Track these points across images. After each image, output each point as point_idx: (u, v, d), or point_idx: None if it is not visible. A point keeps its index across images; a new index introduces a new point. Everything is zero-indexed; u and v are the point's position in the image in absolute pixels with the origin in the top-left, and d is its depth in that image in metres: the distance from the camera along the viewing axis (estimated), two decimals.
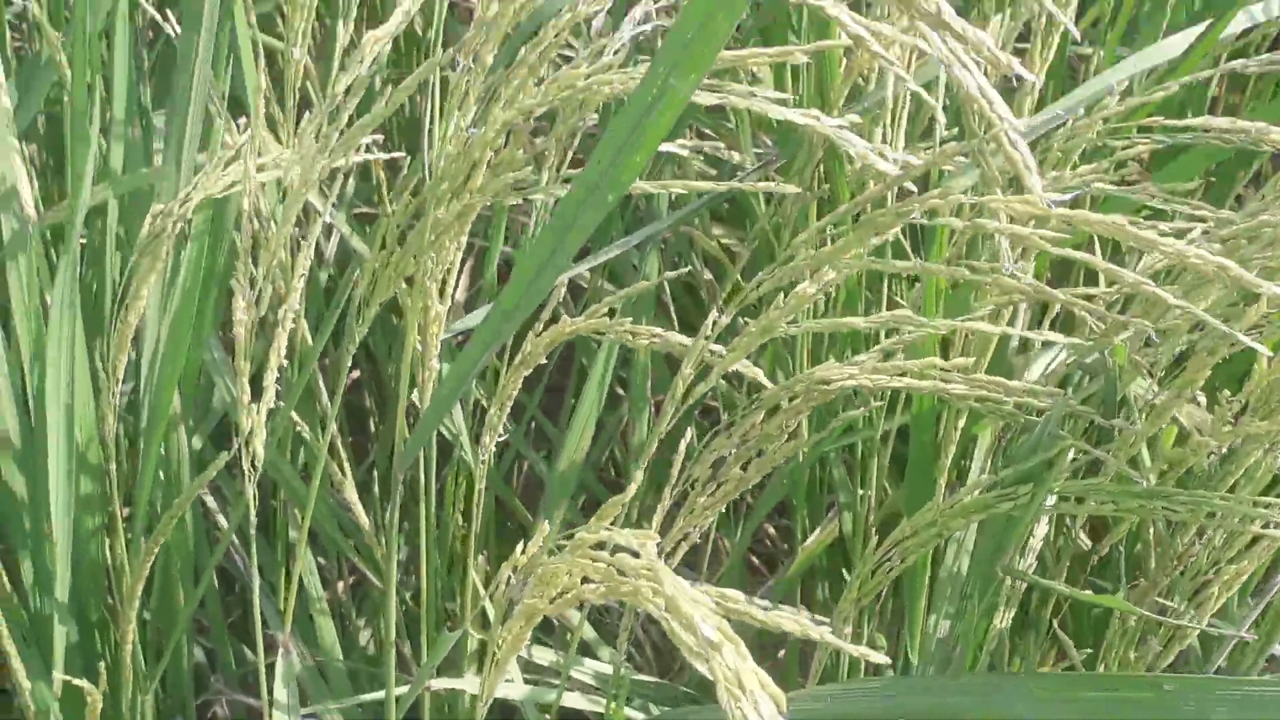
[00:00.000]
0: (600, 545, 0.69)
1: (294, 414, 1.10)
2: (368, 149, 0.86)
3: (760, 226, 1.09)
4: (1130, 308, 0.89)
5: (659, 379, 1.22)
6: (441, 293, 0.89)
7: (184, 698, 1.15)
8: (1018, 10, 0.98)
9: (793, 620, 0.62)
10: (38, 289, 0.95)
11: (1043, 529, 0.95)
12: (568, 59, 1.04)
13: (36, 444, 0.95)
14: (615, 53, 0.87)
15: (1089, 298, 0.84)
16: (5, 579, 1.01)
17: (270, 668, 1.01)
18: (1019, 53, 1.07)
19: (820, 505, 1.22)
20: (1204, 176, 1.07)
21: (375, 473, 1.29)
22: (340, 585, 1.33)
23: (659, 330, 0.89)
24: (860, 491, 1.12)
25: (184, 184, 0.92)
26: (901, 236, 1.09)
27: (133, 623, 0.97)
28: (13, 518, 0.99)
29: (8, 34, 1.12)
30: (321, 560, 1.33)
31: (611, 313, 0.91)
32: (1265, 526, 0.86)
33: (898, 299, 1.09)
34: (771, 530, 1.48)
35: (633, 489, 0.72)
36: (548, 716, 1.04)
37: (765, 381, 0.87)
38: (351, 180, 1.30)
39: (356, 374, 1.46)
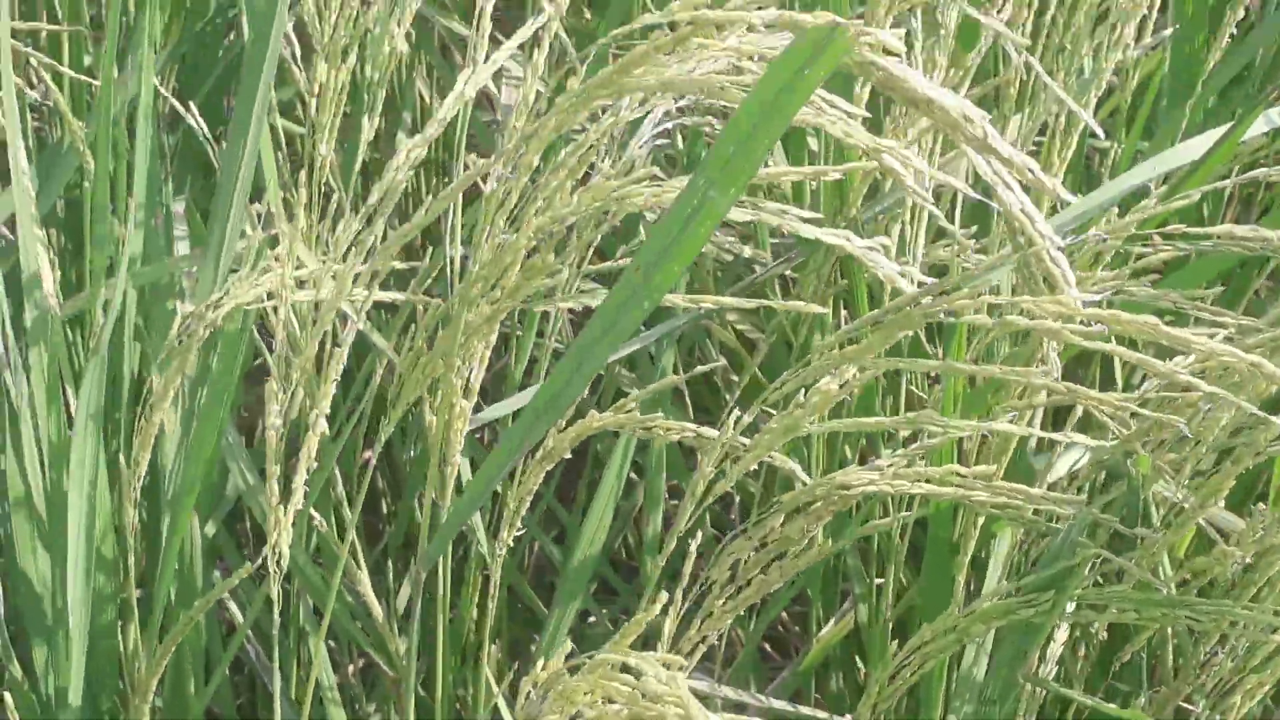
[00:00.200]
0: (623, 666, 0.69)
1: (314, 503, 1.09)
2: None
3: (778, 320, 1.09)
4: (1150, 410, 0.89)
5: (673, 465, 1.22)
6: (466, 391, 0.89)
7: None
8: (1036, 111, 0.98)
9: None
10: (59, 379, 0.95)
11: (1063, 633, 0.94)
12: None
13: (55, 537, 0.95)
14: (641, 146, 0.88)
15: (1115, 399, 0.83)
16: (17, 665, 1.00)
17: None
18: (1037, 146, 1.08)
19: (835, 593, 1.21)
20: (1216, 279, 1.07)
21: (388, 557, 1.29)
22: (350, 668, 1.32)
23: (687, 425, 0.89)
24: (876, 580, 1.11)
25: (217, 288, 0.92)
26: (920, 334, 1.09)
27: (146, 716, 0.96)
28: (30, 606, 0.99)
29: (29, 119, 1.12)
30: (331, 643, 1.32)
31: (636, 403, 0.91)
32: None
33: (914, 388, 1.09)
34: (785, 615, 1.48)
35: (655, 609, 0.71)
36: None
37: (801, 475, 0.87)
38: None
39: (368, 454, 1.46)
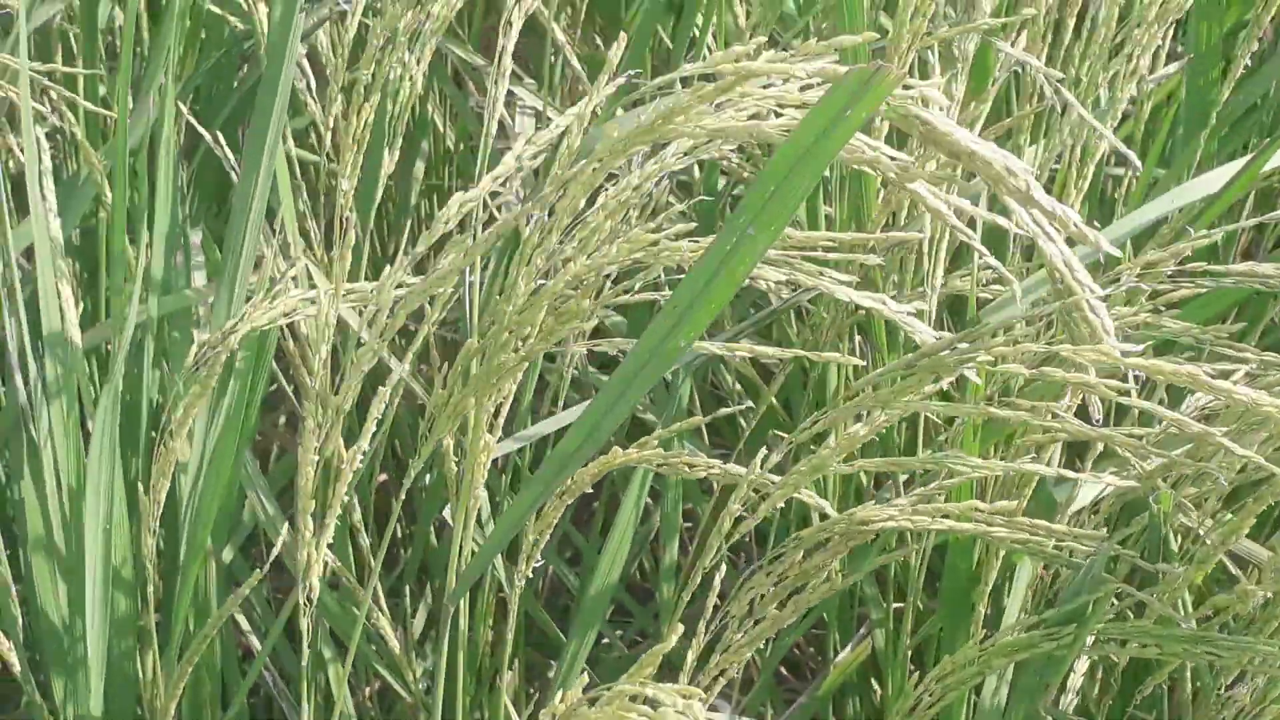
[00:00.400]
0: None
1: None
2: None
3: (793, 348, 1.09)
4: (1167, 442, 0.89)
5: (689, 492, 1.22)
6: (491, 427, 0.89)
7: None
8: (1052, 141, 0.98)
9: None
10: (79, 409, 0.95)
11: (1084, 665, 0.95)
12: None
13: (74, 566, 0.95)
14: (656, 184, 0.88)
15: (1134, 437, 0.84)
16: (37, 692, 1.01)
17: None
18: (1053, 175, 1.08)
19: (851, 619, 1.21)
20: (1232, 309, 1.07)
21: (404, 581, 1.29)
22: (366, 691, 1.32)
23: (710, 461, 0.89)
24: (894, 606, 1.11)
25: (233, 314, 0.92)
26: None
27: None
28: (48, 633, 0.99)
29: (46, 150, 1.12)
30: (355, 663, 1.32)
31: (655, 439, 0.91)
32: None
33: (931, 416, 1.09)
34: (801, 639, 1.48)
35: (672, 641, 0.71)
36: None
37: (829, 509, 0.87)
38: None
39: (384, 477, 1.46)
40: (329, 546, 1.11)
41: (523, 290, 0.78)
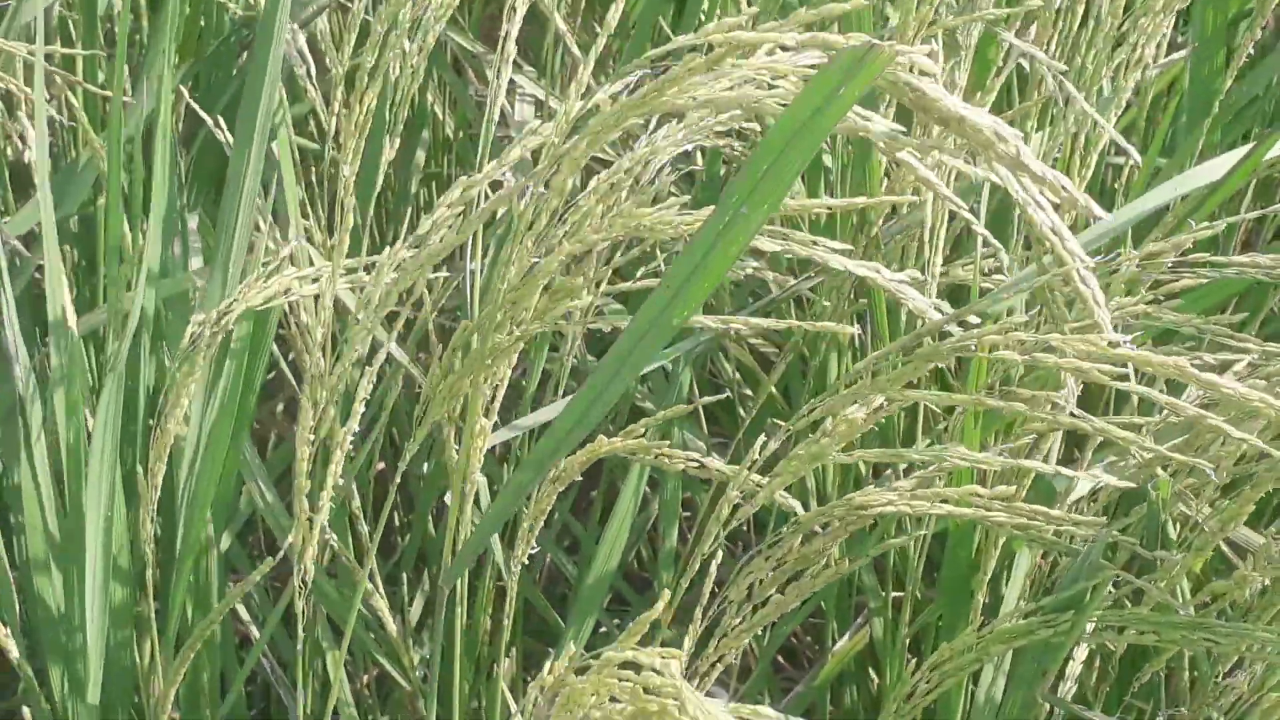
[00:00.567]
0: (628, 664, 0.69)
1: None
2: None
3: (795, 339, 1.09)
4: (1166, 430, 0.89)
5: (688, 480, 1.21)
6: (487, 410, 0.89)
7: None
8: (1057, 130, 0.98)
9: None
10: (77, 397, 0.95)
11: (1082, 652, 0.94)
12: (606, 163, 1.04)
13: (71, 553, 0.95)
14: (659, 171, 0.88)
15: (1131, 427, 0.83)
16: (34, 680, 1.01)
17: None
18: (1055, 164, 1.08)
19: (849, 607, 1.21)
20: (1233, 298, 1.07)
21: (402, 569, 1.29)
22: (364, 678, 1.32)
23: (696, 455, 0.89)
24: (893, 594, 1.11)
25: (227, 294, 0.92)
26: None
27: None
28: (46, 621, 0.99)
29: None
30: (346, 654, 1.32)
31: (645, 426, 0.91)
32: None
33: (932, 407, 1.09)
34: (798, 627, 1.47)
35: (659, 607, 0.71)
36: None
37: (800, 510, 0.87)
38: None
39: (381, 465, 1.46)
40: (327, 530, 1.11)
41: (515, 270, 0.77)
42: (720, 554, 0.93)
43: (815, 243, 0.78)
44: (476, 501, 0.95)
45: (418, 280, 0.85)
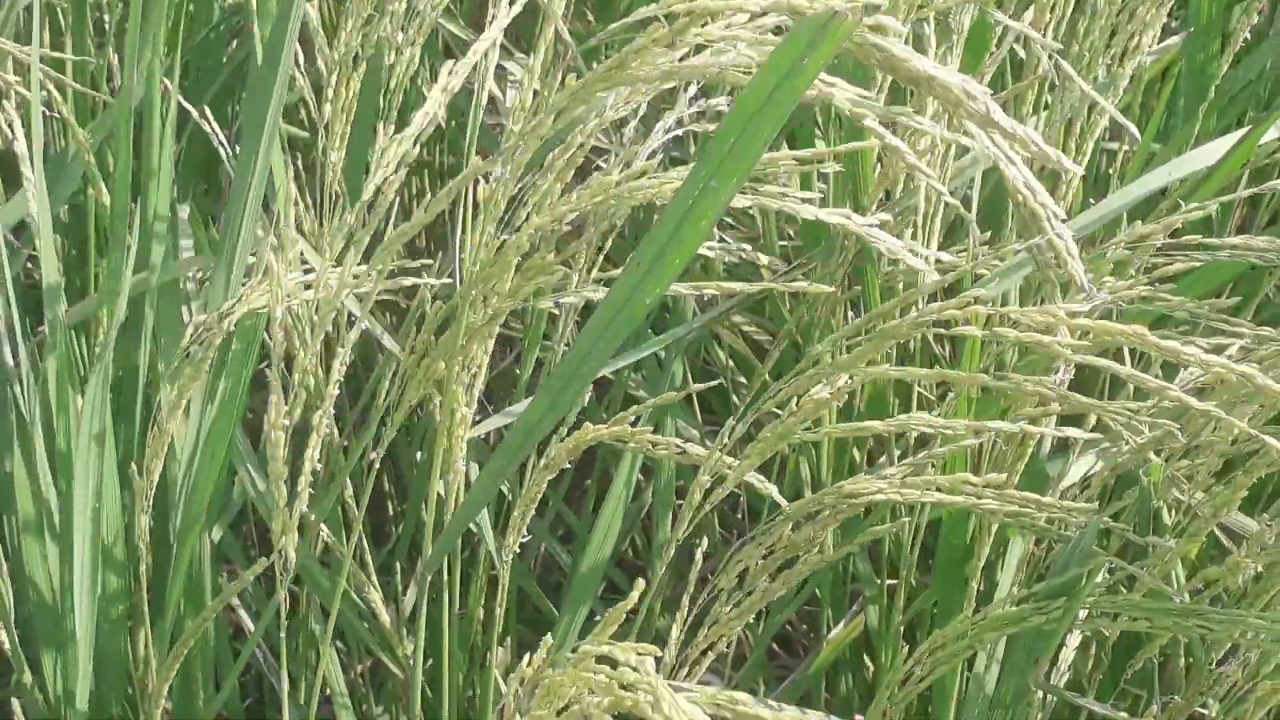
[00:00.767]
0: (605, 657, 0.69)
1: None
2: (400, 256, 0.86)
3: (788, 327, 1.09)
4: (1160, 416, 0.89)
5: (683, 468, 1.21)
6: (469, 393, 0.88)
7: None
8: (1053, 115, 0.98)
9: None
10: (68, 387, 0.94)
11: (1075, 639, 0.94)
12: (603, 151, 1.04)
13: (64, 544, 0.94)
14: (650, 157, 0.87)
15: (1123, 410, 0.83)
16: (28, 670, 1.00)
17: None
18: None
19: (844, 595, 1.21)
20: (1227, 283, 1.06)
21: (396, 558, 1.29)
22: (359, 668, 1.32)
23: (680, 442, 0.89)
24: (887, 582, 1.11)
25: (230, 296, 0.92)
26: (934, 343, 1.08)
27: None
28: (39, 611, 0.99)
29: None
30: (340, 644, 1.32)
31: (637, 415, 0.91)
32: None
33: (925, 393, 1.09)
34: (794, 614, 1.47)
35: (633, 597, 0.71)
36: None
37: (779, 498, 0.87)
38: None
39: (373, 455, 1.45)
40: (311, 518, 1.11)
41: (485, 250, 0.77)
42: (706, 541, 0.92)
43: (785, 195, 0.77)
44: (468, 488, 0.95)
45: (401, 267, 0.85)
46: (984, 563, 0.99)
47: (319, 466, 0.91)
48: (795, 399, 0.82)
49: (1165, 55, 1.18)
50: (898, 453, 1.08)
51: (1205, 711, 0.93)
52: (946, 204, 1.01)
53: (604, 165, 0.92)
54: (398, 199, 1.31)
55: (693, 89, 0.86)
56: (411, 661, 1.12)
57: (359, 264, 0.85)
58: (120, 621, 1.00)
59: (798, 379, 0.82)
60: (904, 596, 1.06)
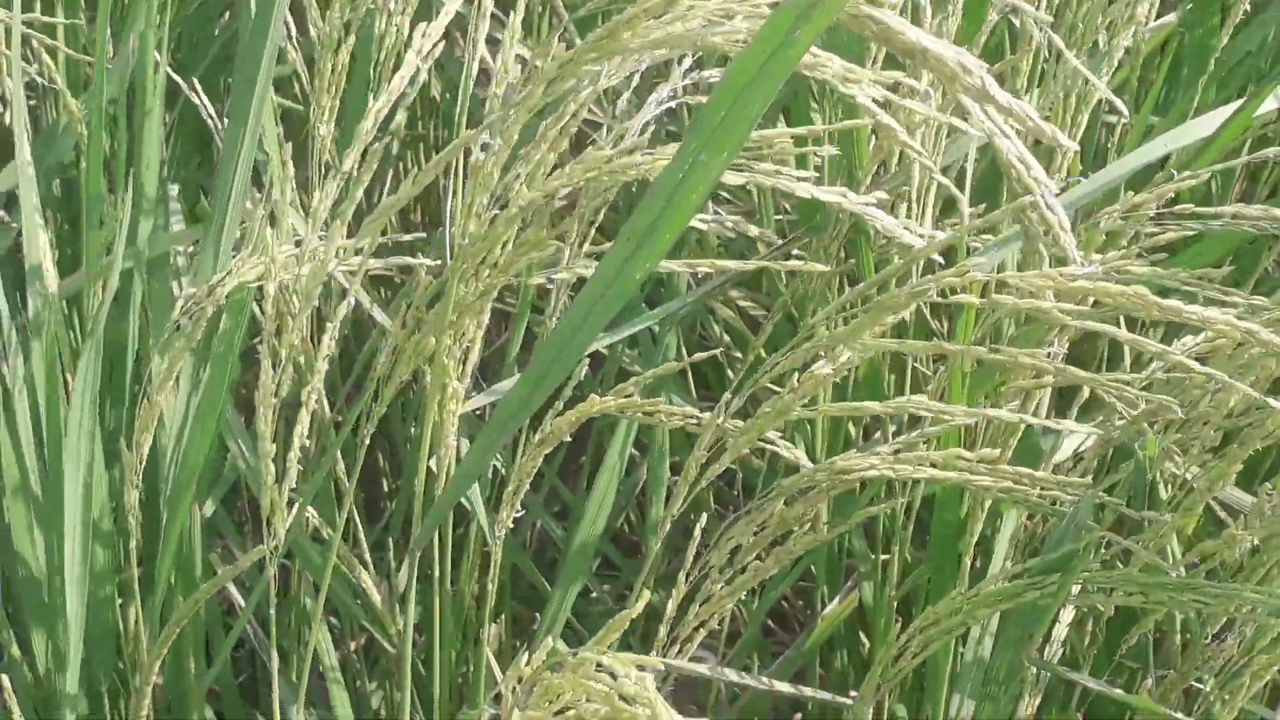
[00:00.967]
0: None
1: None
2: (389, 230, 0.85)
3: (783, 300, 1.08)
4: (1156, 389, 0.88)
5: (677, 445, 1.21)
6: (462, 368, 0.88)
7: None
8: (1047, 88, 0.97)
9: None
10: (58, 361, 0.94)
11: (1069, 614, 0.94)
12: (596, 125, 1.03)
13: (52, 518, 0.94)
14: (641, 132, 0.87)
15: (1119, 382, 0.82)
16: (16, 646, 1.00)
17: None
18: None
19: (839, 571, 1.21)
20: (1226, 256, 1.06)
21: (389, 535, 1.28)
22: (352, 644, 1.32)
23: (687, 410, 0.88)
24: (881, 557, 1.11)
25: (220, 268, 0.91)
26: (930, 316, 1.08)
27: (147, 698, 0.96)
28: (27, 587, 0.98)
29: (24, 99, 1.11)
30: (334, 620, 1.32)
31: (633, 386, 0.90)
32: None
33: (919, 367, 1.08)
34: (789, 590, 1.47)
35: (640, 607, 0.70)
36: None
37: (804, 460, 0.86)
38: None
39: (370, 430, 1.45)
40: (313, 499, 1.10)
41: (475, 223, 0.76)
42: (705, 518, 0.92)
43: (779, 172, 0.77)
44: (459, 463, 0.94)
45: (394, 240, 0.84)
46: (978, 538, 0.98)
47: (308, 442, 0.90)
48: (795, 374, 0.81)
49: (1164, 28, 1.17)
50: (893, 429, 1.07)
51: (1201, 686, 0.93)
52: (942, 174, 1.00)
53: (598, 139, 0.92)
54: (390, 172, 1.31)
55: (687, 61, 0.85)
56: (402, 638, 1.12)
57: (349, 236, 0.84)
58: (110, 597, 1.00)
59: (794, 352, 0.81)
60: (898, 572, 1.06)
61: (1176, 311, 0.70)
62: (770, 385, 0.85)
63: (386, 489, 1.43)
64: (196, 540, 1.04)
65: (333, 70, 0.92)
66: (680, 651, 0.91)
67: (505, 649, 1.27)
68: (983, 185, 1.08)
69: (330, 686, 1.14)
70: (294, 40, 1.11)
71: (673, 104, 0.86)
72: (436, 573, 1.00)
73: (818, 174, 0.98)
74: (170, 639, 0.90)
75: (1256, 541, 0.85)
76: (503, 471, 1.14)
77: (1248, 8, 1.10)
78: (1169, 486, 0.91)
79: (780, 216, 1.19)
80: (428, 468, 0.91)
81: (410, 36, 1.01)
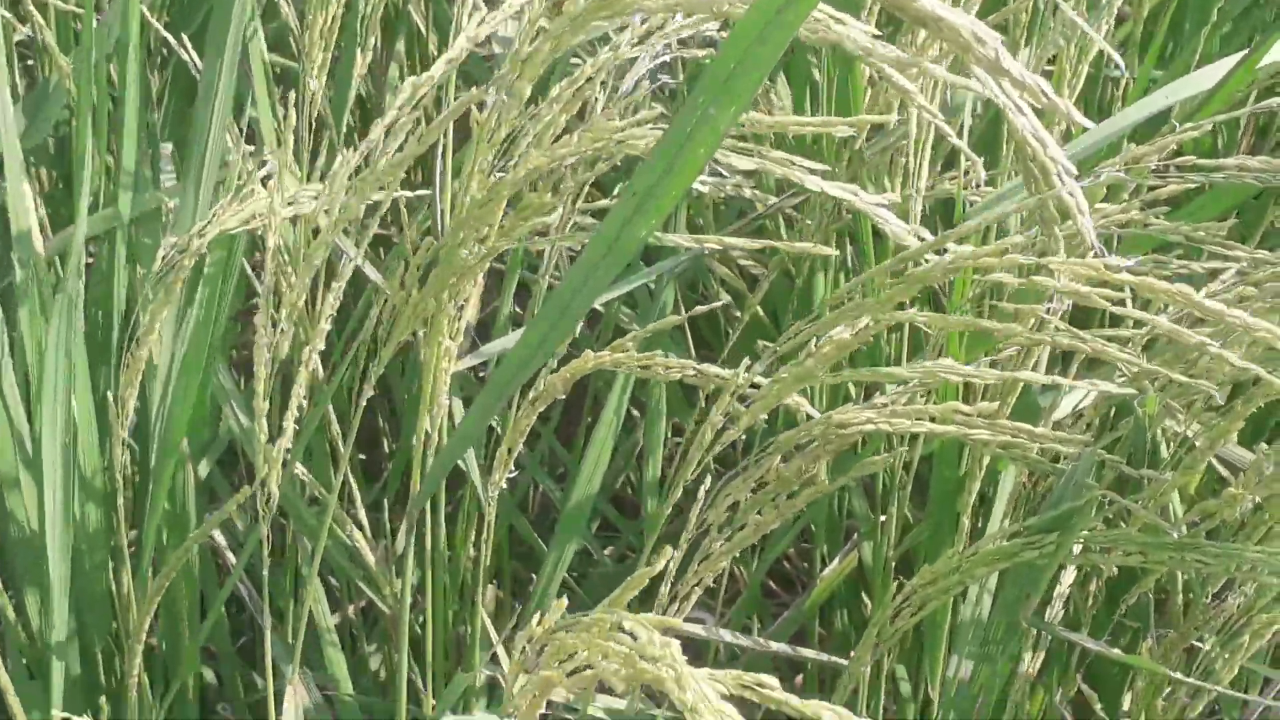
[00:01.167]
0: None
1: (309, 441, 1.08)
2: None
3: (779, 257, 1.07)
4: (1155, 348, 0.87)
5: (672, 398, 1.20)
6: (454, 329, 0.87)
7: None
8: (1045, 40, 0.95)
9: (832, 711, 0.59)
10: (42, 320, 0.93)
11: (1070, 575, 0.93)
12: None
13: (39, 478, 0.93)
14: (635, 85, 0.85)
15: (1118, 340, 0.81)
16: (10, 611, 0.99)
17: (278, 697, 0.99)
18: (1047, 77, 1.05)
19: (839, 531, 1.20)
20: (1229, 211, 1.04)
21: (386, 497, 1.28)
22: (351, 608, 1.31)
23: (687, 363, 0.87)
24: (881, 518, 1.10)
25: (200, 216, 0.90)
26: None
27: (139, 657, 0.95)
28: (19, 548, 0.98)
29: (14, 58, 1.10)
30: (334, 581, 1.31)
31: (630, 341, 0.89)
32: None
33: (922, 326, 1.07)
34: (790, 550, 1.46)
35: (660, 565, 0.69)
36: None
37: (811, 410, 0.84)
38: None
39: (370, 392, 1.44)
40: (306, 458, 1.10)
41: (477, 184, 0.75)
42: (709, 479, 0.91)
43: (791, 162, 0.75)
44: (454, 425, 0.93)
45: (392, 198, 0.83)
46: (978, 499, 0.97)
47: (305, 402, 0.89)
48: (813, 340, 0.80)
49: None
50: (896, 386, 1.06)
51: (1201, 645, 0.92)
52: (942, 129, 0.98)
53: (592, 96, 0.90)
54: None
55: (680, 16, 0.84)
56: (398, 599, 1.11)
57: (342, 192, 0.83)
58: (102, 558, 0.99)
59: (819, 321, 0.80)
60: (896, 532, 1.05)
61: (1218, 314, 0.69)
62: (766, 343, 0.84)
63: (388, 450, 1.42)
64: (190, 499, 1.03)
65: (323, 23, 0.91)
66: (678, 611, 0.90)
67: (505, 609, 1.27)
68: (986, 137, 1.06)
69: (326, 649, 1.14)
70: None
71: (668, 57, 0.84)
72: (429, 535, 1.00)
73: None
74: (159, 592, 0.90)
75: (1258, 500, 0.84)
76: (499, 432, 1.13)
77: None
78: (1169, 444, 0.89)
79: (779, 176, 1.18)
80: (425, 429, 0.90)
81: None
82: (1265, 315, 0.79)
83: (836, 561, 1.14)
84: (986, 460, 0.95)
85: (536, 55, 0.72)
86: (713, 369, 0.86)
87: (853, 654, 0.90)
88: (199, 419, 0.97)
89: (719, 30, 0.81)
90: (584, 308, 0.72)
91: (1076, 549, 0.85)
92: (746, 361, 0.83)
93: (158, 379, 0.96)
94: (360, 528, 1.10)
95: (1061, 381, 0.81)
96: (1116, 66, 1.14)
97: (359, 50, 0.95)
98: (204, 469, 1.12)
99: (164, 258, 0.86)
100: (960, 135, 1.01)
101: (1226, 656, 0.90)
